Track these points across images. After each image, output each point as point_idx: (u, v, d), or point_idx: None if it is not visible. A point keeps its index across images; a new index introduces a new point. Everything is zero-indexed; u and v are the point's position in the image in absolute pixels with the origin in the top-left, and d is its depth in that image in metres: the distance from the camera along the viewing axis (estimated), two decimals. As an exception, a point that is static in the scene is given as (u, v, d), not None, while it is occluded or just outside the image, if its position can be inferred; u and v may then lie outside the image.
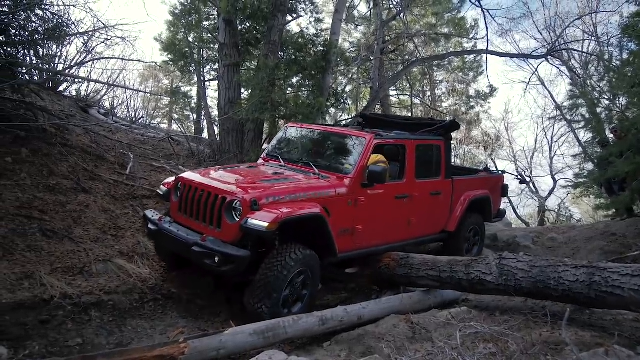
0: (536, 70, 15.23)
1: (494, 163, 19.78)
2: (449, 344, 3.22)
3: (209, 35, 12.32)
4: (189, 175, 5.19)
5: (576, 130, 14.88)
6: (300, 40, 10.11)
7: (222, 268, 4.17)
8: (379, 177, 4.91)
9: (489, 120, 20.94)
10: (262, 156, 6.11)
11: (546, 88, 17.14)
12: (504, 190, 7.44)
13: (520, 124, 36.35)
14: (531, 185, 19.19)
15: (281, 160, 5.67)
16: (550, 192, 18.31)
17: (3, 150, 6.10)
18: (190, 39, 12.85)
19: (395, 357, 3.23)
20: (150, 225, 4.93)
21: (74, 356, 3.06)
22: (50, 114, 7.59)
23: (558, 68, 15.30)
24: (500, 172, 7.83)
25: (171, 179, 5.34)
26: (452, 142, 6.63)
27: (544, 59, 13.18)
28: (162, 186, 5.38)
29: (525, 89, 19.82)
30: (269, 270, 4.22)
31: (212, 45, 12.92)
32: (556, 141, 18.77)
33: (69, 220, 5.56)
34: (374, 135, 5.36)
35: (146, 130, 11.64)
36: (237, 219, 4.29)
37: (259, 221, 4.12)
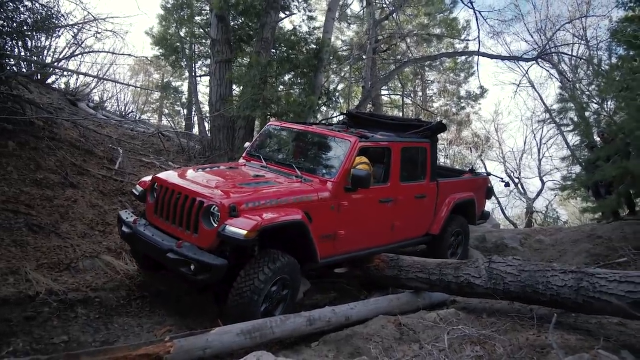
0: (526, 72, 15.39)
1: (483, 164, 19.95)
2: (436, 346, 3.24)
3: (201, 30, 12.25)
4: (165, 175, 4.95)
5: (565, 133, 15.03)
6: (292, 37, 10.11)
7: (197, 276, 3.98)
8: (363, 182, 4.77)
9: (479, 121, 21.11)
10: (244, 155, 5.92)
11: (536, 90, 17.30)
12: (488, 192, 7.45)
13: (510, 125, 36.92)
14: (519, 186, 19.37)
15: (263, 161, 5.50)
16: (538, 194, 18.51)
17: (-11, 143, 6.03)
18: (182, 34, 12.78)
19: (382, 359, 3.24)
20: (124, 228, 4.69)
21: (58, 354, 3.02)
22: (38, 106, 7.49)
23: (548, 71, 15.45)
24: (485, 173, 7.86)
25: (147, 178, 5.07)
26: (439, 143, 6.59)
27: (534, 62, 13.32)
28: (137, 186, 5.10)
29: (516, 91, 20.01)
30: (243, 288, 4.04)
31: (204, 41, 12.86)
32: (545, 143, 18.99)
33: (56, 215, 5.50)
34: (358, 138, 5.24)
35: (136, 125, 11.55)
36: (215, 225, 4.12)
37: (237, 228, 3.95)
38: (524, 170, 20.09)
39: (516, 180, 19.31)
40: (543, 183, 18.43)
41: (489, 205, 11.51)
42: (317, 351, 3.80)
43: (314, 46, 10.08)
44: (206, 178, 4.87)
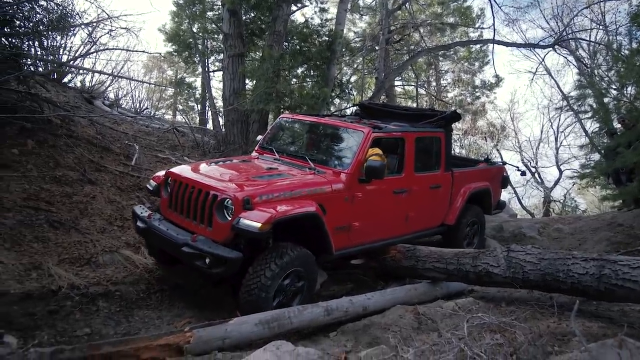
0: (543, 60, 15.08)
1: (499, 153, 19.71)
2: (455, 334, 3.21)
3: (213, 25, 12.29)
4: (179, 169, 4.95)
5: (583, 121, 14.77)
6: (305, 30, 10.07)
7: (213, 270, 4.00)
8: (378, 172, 4.73)
9: (495, 110, 20.85)
10: (256, 148, 5.91)
11: (553, 78, 16.98)
12: (504, 182, 7.34)
13: (526, 114, 36.41)
14: (536, 175, 19.12)
15: (275, 153, 5.49)
16: (556, 183, 18.25)
17: (9, 141, 6.13)
18: (195, 30, 12.84)
19: (401, 348, 3.22)
20: (139, 223, 4.72)
21: (82, 344, 3.07)
22: (55, 105, 7.60)
23: (565, 58, 15.14)
24: (500, 163, 7.76)
25: (161, 173, 5.09)
26: (454, 133, 6.52)
27: (551, 49, 13.08)
28: (151, 181, 5.13)
29: (532, 79, 19.58)
30: (251, 285, 4.04)
31: (216, 36, 12.91)
32: (562, 131, 18.70)
33: (76, 211, 5.58)
34: (372, 128, 5.19)
35: (151, 122, 11.65)
36: (229, 218, 4.11)
37: (252, 221, 3.95)
38: (541, 160, 19.86)
39: (533, 170, 19.05)
40: (561, 172, 18.19)
41: (505, 195, 11.38)
42: (336, 341, 3.80)
43: (327, 38, 10.04)
44: (219, 172, 4.87)
